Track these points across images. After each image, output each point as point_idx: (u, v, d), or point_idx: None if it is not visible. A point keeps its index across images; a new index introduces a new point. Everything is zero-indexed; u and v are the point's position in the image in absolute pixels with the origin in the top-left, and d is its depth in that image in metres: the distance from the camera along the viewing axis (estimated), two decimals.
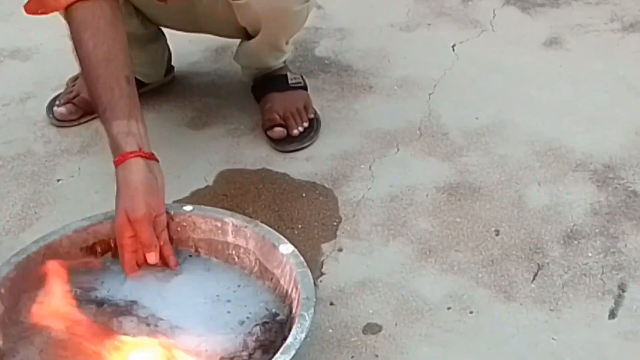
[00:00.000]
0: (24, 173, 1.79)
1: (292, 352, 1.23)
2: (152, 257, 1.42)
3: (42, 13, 1.56)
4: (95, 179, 1.75)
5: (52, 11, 1.55)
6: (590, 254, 1.59)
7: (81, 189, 1.74)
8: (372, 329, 1.47)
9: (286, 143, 1.83)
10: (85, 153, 1.84)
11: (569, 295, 1.51)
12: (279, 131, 1.83)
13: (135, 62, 1.88)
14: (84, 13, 1.49)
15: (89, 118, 1.89)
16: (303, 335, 1.26)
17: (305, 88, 1.92)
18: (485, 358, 1.41)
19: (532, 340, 1.44)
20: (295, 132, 1.84)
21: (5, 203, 1.71)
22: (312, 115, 1.88)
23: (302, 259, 1.40)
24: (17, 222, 1.67)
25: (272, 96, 1.87)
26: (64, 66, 2.00)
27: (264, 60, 1.88)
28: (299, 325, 1.27)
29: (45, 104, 1.95)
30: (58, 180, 1.77)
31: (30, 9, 1.56)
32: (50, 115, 1.91)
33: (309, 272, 1.37)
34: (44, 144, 1.87)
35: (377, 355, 1.42)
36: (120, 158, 1.41)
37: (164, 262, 1.44)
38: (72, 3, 1.49)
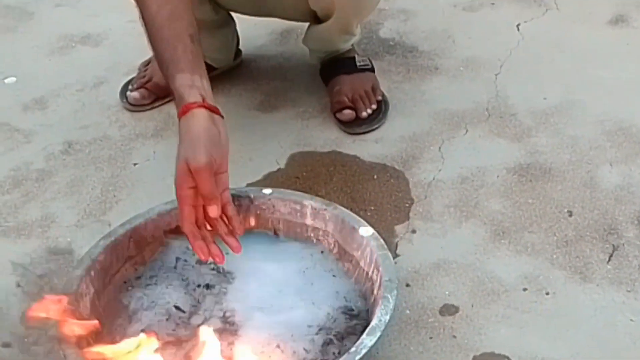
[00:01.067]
0: (101, 157, 1.83)
1: (378, 334, 1.26)
2: (214, 210, 1.34)
3: None
4: (171, 162, 1.72)
5: None
6: None
7: (157, 172, 1.77)
8: (449, 310, 1.49)
9: (355, 125, 1.85)
10: (159, 137, 1.87)
11: None
12: (348, 113, 1.84)
13: (206, 47, 1.90)
14: None
15: (161, 102, 1.93)
16: (387, 317, 1.28)
17: (372, 70, 1.93)
18: (563, 339, 1.42)
19: (609, 321, 1.45)
20: (364, 114, 1.85)
21: (85, 187, 1.75)
22: (380, 97, 1.90)
23: (382, 241, 1.42)
24: (97, 205, 1.71)
25: (340, 79, 1.89)
26: (134, 51, 2.04)
27: (334, 44, 1.89)
28: (382, 307, 1.30)
29: (118, 89, 1.99)
30: (135, 164, 1.81)
31: None
32: (124, 100, 1.94)
33: (389, 254, 1.40)
34: (119, 128, 1.91)
35: (455, 336, 1.44)
36: (183, 109, 1.36)
37: (227, 224, 1.39)
38: None
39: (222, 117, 1.39)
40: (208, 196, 1.33)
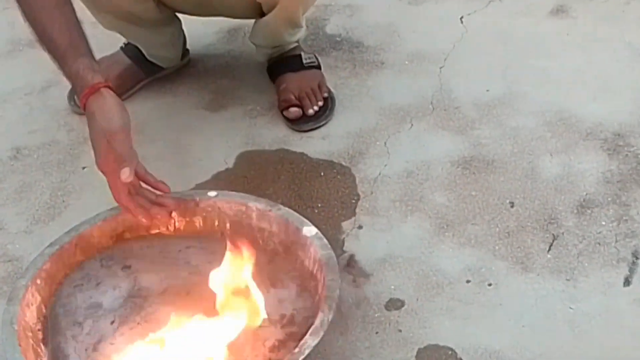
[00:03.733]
0: (50, 162, 1.84)
1: (321, 334, 1.29)
2: (126, 172, 1.38)
3: None
4: None
5: None
6: (603, 223, 1.63)
7: None
8: (394, 304, 1.52)
9: (302, 122, 1.88)
10: None
11: (584, 264, 1.56)
12: (294, 111, 1.87)
13: (152, 45, 1.94)
14: None
15: None
16: (330, 317, 1.31)
17: (319, 67, 1.96)
18: (505, 329, 1.47)
19: (550, 309, 1.49)
20: (311, 111, 1.88)
21: (33, 192, 1.76)
22: (326, 94, 1.92)
23: (325, 240, 1.45)
24: (46, 210, 1.72)
25: (287, 76, 1.91)
26: None
27: (280, 37, 1.90)
28: (326, 307, 1.32)
29: (66, 93, 1.99)
30: (83, 168, 1.81)
31: None
32: (72, 103, 1.95)
33: (332, 253, 1.42)
34: (68, 132, 1.91)
35: (400, 330, 1.48)
36: (90, 89, 1.40)
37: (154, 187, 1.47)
38: None
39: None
40: (124, 157, 1.39)
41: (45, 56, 2.14)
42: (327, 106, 1.91)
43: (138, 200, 1.43)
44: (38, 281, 1.39)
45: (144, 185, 1.48)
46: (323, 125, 1.89)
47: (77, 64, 1.42)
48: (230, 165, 1.81)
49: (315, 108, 1.88)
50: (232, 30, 2.18)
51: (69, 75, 1.44)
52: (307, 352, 1.26)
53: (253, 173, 1.79)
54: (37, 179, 1.79)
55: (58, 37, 1.44)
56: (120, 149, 1.38)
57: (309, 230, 1.46)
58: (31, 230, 1.68)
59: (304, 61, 1.93)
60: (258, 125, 1.91)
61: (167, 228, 1.50)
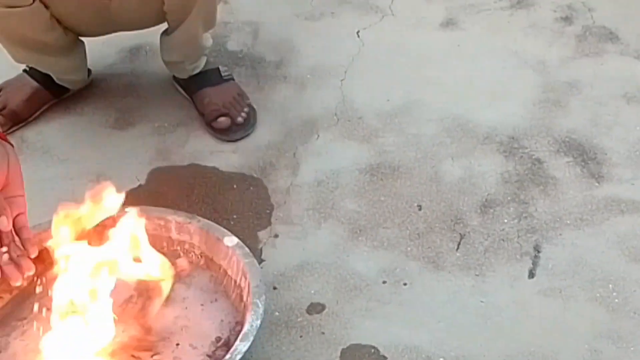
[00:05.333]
0: None
1: (251, 339, 1.32)
2: (3, 222, 1.29)
3: None
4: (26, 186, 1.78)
5: None
6: (505, 220, 1.73)
7: None
8: (315, 308, 1.57)
9: (231, 132, 1.92)
10: None
11: (490, 260, 1.65)
12: (223, 121, 1.90)
13: (63, 70, 1.94)
14: None
15: (16, 128, 1.92)
16: (259, 322, 1.35)
17: (233, 79, 2.00)
18: (423, 325, 1.54)
19: (462, 304, 1.57)
20: (240, 119, 1.92)
21: None
22: (249, 102, 1.97)
23: (247, 249, 1.49)
24: None
25: (207, 91, 1.95)
26: None
27: (197, 43, 1.91)
28: (253, 312, 1.36)
29: None
30: None
31: None
32: None
33: (255, 261, 1.46)
34: None
35: (323, 333, 1.53)
36: None
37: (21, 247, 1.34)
38: None
39: (12, 145, 1.37)
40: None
41: None
42: (252, 114, 1.96)
43: None
44: None
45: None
46: (251, 133, 1.93)
47: None
48: (143, 181, 1.82)
49: (243, 115, 1.93)
50: (133, 49, 2.19)
51: None
52: (238, 357, 1.29)
53: (166, 189, 1.81)
54: None
55: None
56: None
57: (230, 240, 1.49)
58: None
59: (223, 74, 1.97)
60: (167, 142, 1.93)
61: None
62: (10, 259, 1.31)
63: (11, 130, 1.92)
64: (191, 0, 1.78)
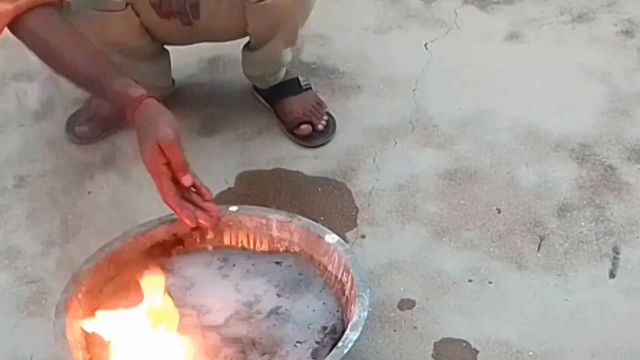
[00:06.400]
0: (55, 188, 1.89)
1: (360, 329, 1.39)
2: (188, 179, 1.48)
3: None
4: (124, 189, 1.87)
5: None
6: (583, 224, 1.80)
7: (112, 198, 1.85)
8: (406, 304, 1.64)
9: (313, 138, 2.00)
10: (109, 165, 1.95)
11: (572, 261, 1.72)
12: (305, 128, 1.99)
13: (150, 77, 2.02)
14: (33, 26, 1.58)
15: (108, 133, 2.01)
16: (365, 313, 1.42)
17: (312, 88, 2.09)
18: (511, 321, 1.60)
19: (547, 302, 1.64)
20: (320, 126, 2.01)
21: (44, 217, 1.81)
22: (327, 110, 2.05)
23: (348, 246, 1.56)
24: (60, 234, 1.77)
25: (289, 100, 2.03)
26: (69, 85, 2.10)
27: (278, 60, 2.01)
28: (359, 304, 1.43)
29: (60, 122, 2.04)
30: (89, 193, 1.88)
31: None
32: (71, 134, 2.00)
33: (356, 257, 1.53)
34: (67, 159, 1.97)
35: (416, 327, 1.60)
36: (135, 103, 1.47)
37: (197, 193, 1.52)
38: (11, 22, 1.58)
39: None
40: (181, 167, 1.48)
41: (31, 89, 2.23)
42: (331, 121, 2.04)
43: (185, 204, 1.50)
44: (79, 295, 1.45)
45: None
46: (331, 139, 2.01)
47: (114, 87, 1.50)
48: (232, 184, 1.90)
49: (323, 123, 2.01)
50: (212, 60, 2.28)
51: (109, 100, 1.52)
52: (350, 345, 1.36)
53: (254, 191, 1.89)
54: (46, 205, 1.85)
55: (87, 71, 1.54)
56: (175, 159, 1.46)
57: (331, 237, 1.56)
58: (48, 253, 1.73)
59: (302, 84, 2.06)
60: (251, 148, 2.01)
61: (197, 240, 1.58)
62: (196, 206, 1.50)
63: (104, 135, 2.01)
64: (275, 25, 1.88)
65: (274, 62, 2.03)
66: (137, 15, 1.87)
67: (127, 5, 1.82)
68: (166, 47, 2.07)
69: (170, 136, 1.46)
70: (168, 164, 1.47)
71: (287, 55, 2.05)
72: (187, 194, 1.51)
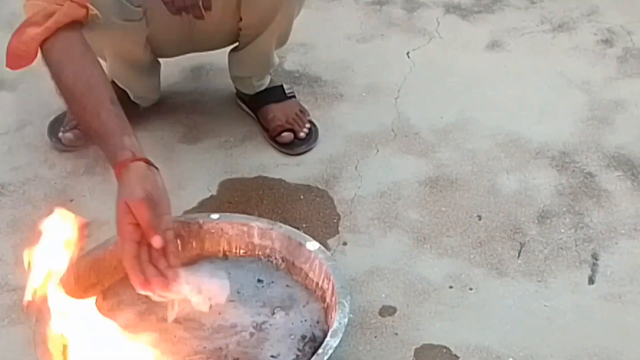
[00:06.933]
0: (36, 196, 1.89)
1: (340, 335, 1.40)
2: (157, 240, 1.39)
3: (25, 65, 1.63)
4: (106, 197, 1.85)
5: (30, 62, 1.61)
6: (562, 230, 1.81)
7: (95, 206, 1.85)
8: (387, 310, 1.65)
9: (295, 146, 2.01)
10: (91, 174, 1.95)
11: (551, 267, 1.73)
12: (287, 135, 2.00)
13: (143, 88, 2.04)
14: (56, 53, 1.57)
15: (90, 143, 2.00)
16: (346, 320, 1.43)
17: (295, 96, 2.10)
18: (491, 327, 1.61)
19: (527, 308, 1.65)
20: (302, 134, 2.02)
21: (26, 225, 1.81)
22: (310, 118, 2.07)
23: (329, 253, 1.57)
24: None
25: (272, 106, 2.04)
26: (51, 93, 2.10)
27: (268, 58, 2.02)
28: (340, 311, 1.44)
29: (42, 130, 2.04)
30: (71, 201, 1.88)
31: (13, 65, 1.64)
32: (54, 140, 2.00)
33: (337, 264, 1.54)
34: (49, 167, 1.97)
35: (396, 334, 1.60)
36: (118, 168, 1.45)
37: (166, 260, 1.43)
38: (41, 45, 1.57)
39: (156, 168, 1.48)
40: (148, 228, 1.41)
41: (14, 97, 2.24)
42: (313, 130, 2.05)
43: (145, 267, 1.42)
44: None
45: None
46: (313, 147, 2.02)
47: (109, 145, 1.48)
48: (214, 192, 1.91)
49: (305, 130, 2.03)
50: (195, 68, 2.29)
51: (104, 153, 1.50)
52: (330, 352, 1.37)
53: (237, 199, 1.90)
54: (27, 212, 1.85)
55: (88, 122, 1.52)
56: (141, 219, 1.40)
57: (312, 244, 1.57)
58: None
59: (286, 91, 2.07)
60: (234, 156, 2.02)
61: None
62: (156, 272, 1.41)
63: (89, 143, 2.00)
64: (268, 16, 1.88)
65: (262, 61, 2.04)
66: (147, 25, 1.86)
67: (144, 15, 1.82)
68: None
69: (138, 196, 1.39)
70: (138, 225, 1.42)
71: (275, 57, 2.06)
72: (156, 255, 1.43)
